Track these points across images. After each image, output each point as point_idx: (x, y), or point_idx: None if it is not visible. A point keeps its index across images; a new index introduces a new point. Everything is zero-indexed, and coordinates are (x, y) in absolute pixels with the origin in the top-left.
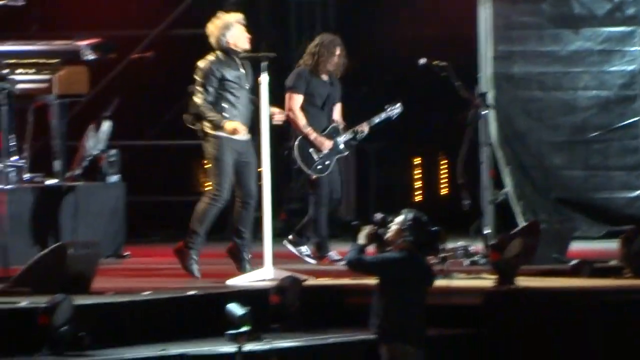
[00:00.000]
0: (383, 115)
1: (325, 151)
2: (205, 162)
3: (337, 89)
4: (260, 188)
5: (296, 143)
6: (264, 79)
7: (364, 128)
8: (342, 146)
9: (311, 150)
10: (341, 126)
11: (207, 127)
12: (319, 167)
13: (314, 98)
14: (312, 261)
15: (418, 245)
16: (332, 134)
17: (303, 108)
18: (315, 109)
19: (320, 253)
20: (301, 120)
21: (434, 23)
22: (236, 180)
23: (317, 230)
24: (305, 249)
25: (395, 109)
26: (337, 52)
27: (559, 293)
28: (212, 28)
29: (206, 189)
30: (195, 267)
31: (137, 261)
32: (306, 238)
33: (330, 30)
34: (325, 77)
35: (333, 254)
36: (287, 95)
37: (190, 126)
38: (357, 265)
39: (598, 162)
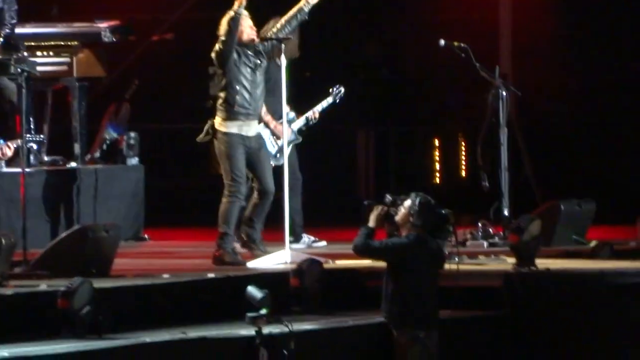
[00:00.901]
0: (330, 100)
1: (282, 139)
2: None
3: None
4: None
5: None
6: (283, 60)
7: (316, 115)
8: (296, 133)
9: (270, 138)
10: (292, 113)
11: (217, 123)
12: (277, 155)
13: (268, 84)
14: (323, 243)
15: (427, 228)
16: (287, 122)
17: None
18: (269, 94)
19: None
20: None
21: (455, 6)
22: (253, 174)
23: (292, 217)
24: (308, 238)
25: (340, 92)
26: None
27: (578, 275)
28: (222, 22)
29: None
30: (238, 258)
31: (157, 244)
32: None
33: (350, 14)
34: (278, 61)
35: (306, 237)
36: None
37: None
38: (365, 251)
39: None
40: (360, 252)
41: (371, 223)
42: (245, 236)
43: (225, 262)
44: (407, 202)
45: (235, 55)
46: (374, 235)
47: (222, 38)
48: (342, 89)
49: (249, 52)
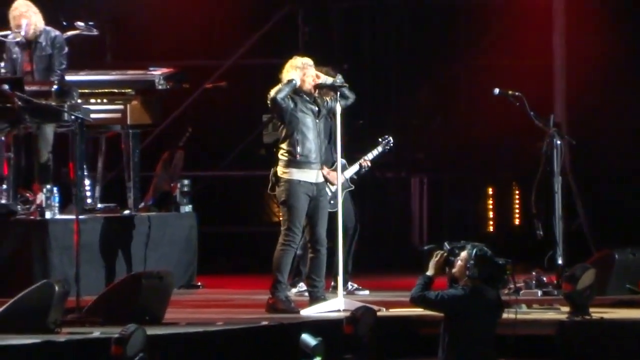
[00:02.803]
0: (380, 149)
1: (336, 185)
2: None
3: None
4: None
5: None
6: (338, 108)
7: (368, 163)
8: (349, 181)
9: (327, 184)
10: (344, 161)
11: (279, 171)
12: (331, 201)
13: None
14: (365, 292)
15: (483, 279)
16: (341, 169)
17: None
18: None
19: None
20: None
21: (509, 52)
22: (306, 222)
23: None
24: (351, 286)
25: (389, 142)
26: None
27: (632, 324)
28: (286, 67)
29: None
30: (291, 306)
31: (210, 292)
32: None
33: (405, 59)
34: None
35: (350, 285)
36: None
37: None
38: (421, 302)
39: None
40: (416, 303)
41: (430, 271)
42: (309, 295)
43: (278, 310)
44: (464, 254)
45: (294, 104)
46: (432, 284)
47: (274, 94)
48: (391, 139)
49: (309, 100)
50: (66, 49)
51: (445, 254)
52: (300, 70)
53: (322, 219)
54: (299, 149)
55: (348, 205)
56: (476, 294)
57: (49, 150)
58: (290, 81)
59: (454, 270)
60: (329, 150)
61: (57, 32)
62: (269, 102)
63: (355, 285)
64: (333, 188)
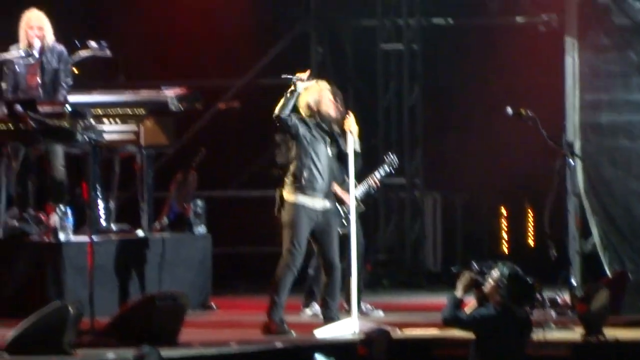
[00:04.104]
0: (386, 168)
1: (348, 206)
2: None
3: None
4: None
5: None
6: (350, 140)
7: (377, 182)
8: (359, 201)
9: (339, 205)
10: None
11: (285, 193)
12: (344, 221)
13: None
14: (380, 313)
15: (514, 298)
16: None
17: None
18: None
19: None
20: None
21: (520, 72)
22: (317, 249)
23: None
24: (364, 307)
25: (393, 161)
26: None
27: None
28: (302, 94)
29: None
30: (285, 328)
31: (224, 313)
32: (312, 293)
33: (418, 79)
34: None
35: (364, 305)
36: None
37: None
38: (452, 322)
39: None
40: (448, 324)
41: (459, 292)
42: (323, 316)
43: (271, 332)
44: (495, 274)
45: (307, 128)
46: (462, 305)
47: (277, 112)
48: (395, 157)
49: (324, 126)
50: (70, 64)
51: (473, 275)
52: (317, 93)
53: (332, 244)
54: (305, 174)
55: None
56: (507, 313)
57: (62, 164)
58: (292, 92)
59: (485, 290)
60: (339, 169)
61: (62, 47)
62: (274, 119)
63: (370, 306)
64: (345, 208)
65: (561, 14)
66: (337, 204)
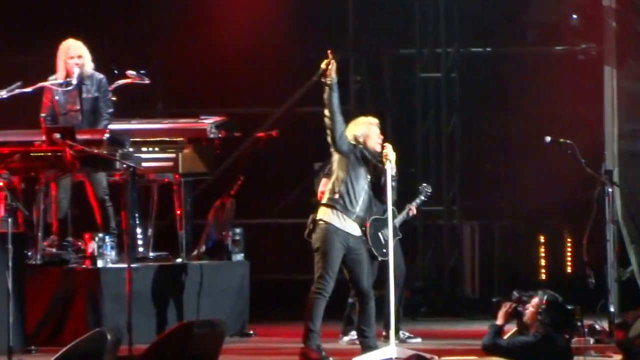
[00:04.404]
0: (422, 197)
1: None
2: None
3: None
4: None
5: (368, 226)
6: (388, 167)
7: (414, 211)
8: (397, 229)
9: (379, 233)
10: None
11: (319, 214)
12: (384, 250)
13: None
14: (418, 340)
15: (554, 325)
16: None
17: None
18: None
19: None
20: None
21: (559, 101)
22: (348, 277)
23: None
24: (403, 334)
25: (427, 191)
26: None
27: None
28: (350, 126)
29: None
30: (322, 355)
31: (262, 340)
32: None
33: (456, 108)
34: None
35: (402, 333)
36: None
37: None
38: (493, 350)
39: None
40: (488, 351)
41: (499, 320)
42: (360, 344)
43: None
44: (535, 301)
45: (352, 149)
46: (502, 333)
47: (337, 137)
48: (429, 187)
49: (367, 155)
50: (110, 95)
51: (514, 305)
52: (365, 127)
53: (364, 272)
54: (341, 189)
55: (397, 254)
56: (547, 340)
57: (105, 192)
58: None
59: (525, 318)
60: (375, 201)
61: (102, 75)
62: (331, 142)
63: (407, 334)
64: (385, 236)
65: (600, 43)
66: (377, 232)
